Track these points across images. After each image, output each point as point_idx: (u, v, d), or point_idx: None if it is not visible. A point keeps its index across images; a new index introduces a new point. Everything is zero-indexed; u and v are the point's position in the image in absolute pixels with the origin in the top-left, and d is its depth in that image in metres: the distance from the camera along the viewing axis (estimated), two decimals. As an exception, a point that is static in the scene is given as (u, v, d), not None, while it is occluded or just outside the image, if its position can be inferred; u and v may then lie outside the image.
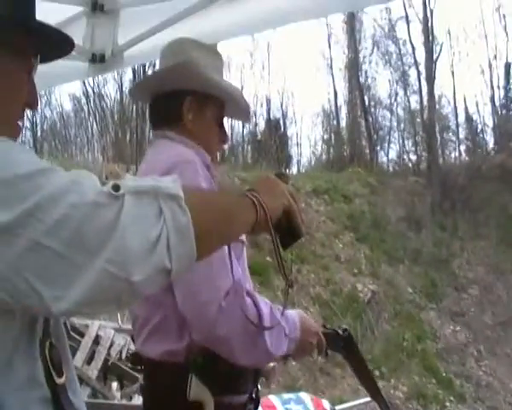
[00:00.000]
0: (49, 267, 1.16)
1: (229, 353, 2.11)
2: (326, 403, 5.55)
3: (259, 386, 2.59)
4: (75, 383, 1.52)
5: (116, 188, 1.21)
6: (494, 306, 15.70)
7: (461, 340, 14.58)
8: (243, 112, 2.75)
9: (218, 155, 2.64)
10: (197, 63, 2.43)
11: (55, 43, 1.66)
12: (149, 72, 25.27)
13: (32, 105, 1.60)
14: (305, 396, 5.69)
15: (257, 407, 2.59)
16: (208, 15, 3.50)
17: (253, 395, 2.42)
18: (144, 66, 23.73)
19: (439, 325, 14.88)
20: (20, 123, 1.55)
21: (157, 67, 2.62)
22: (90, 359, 7.91)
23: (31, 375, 1.34)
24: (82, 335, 8.20)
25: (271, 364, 2.61)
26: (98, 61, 3.97)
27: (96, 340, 8.12)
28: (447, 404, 12.18)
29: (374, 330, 13.56)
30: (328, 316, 13.44)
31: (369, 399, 8.16)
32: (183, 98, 2.40)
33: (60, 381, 1.40)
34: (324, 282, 14.43)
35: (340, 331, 2.56)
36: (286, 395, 5.76)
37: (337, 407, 5.67)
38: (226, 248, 1.95)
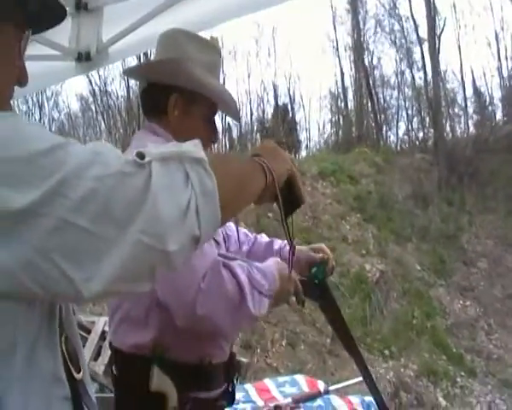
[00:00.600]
0: (78, 246, 1.10)
1: (213, 329, 2.15)
2: (320, 383, 5.57)
3: (235, 380, 2.65)
4: (89, 378, 1.48)
5: (141, 156, 1.17)
6: (503, 278, 15.64)
7: (471, 315, 14.55)
8: (232, 112, 2.77)
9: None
10: (187, 60, 2.43)
11: (46, 9, 1.50)
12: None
13: (23, 81, 1.49)
14: (299, 378, 5.72)
15: (232, 401, 2.63)
16: (189, 5, 3.55)
17: (229, 389, 2.48)
18: (146, 54, 23.85)
19: (449, 300, 14.85)
20: (11, 102, 1.46)
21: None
22: (96, 355, 7.99)
23: (53, 371, 1.29)
24: (88, 331, 8.26)
25: (244, 359, 2.67)
26: (84, 59, 4.03)
27: (103, 336, 8.16)
28: (458, 379, 12.16)
29: (383, 309, 13.56)
30: (337, 298, 13.40)
31: (359, 379, 8.23)
32: (170, 94, 2.41)
33: (78, 376, 1.36)
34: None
35: (316, 280, 2.56)
36: (281, 378, 5.80)
37: (331, 387, 5.68)
38: None
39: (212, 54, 2.55)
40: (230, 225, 2.82)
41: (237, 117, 2.88)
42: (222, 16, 3.85)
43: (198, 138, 1.64)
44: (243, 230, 2.93)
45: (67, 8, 3.87)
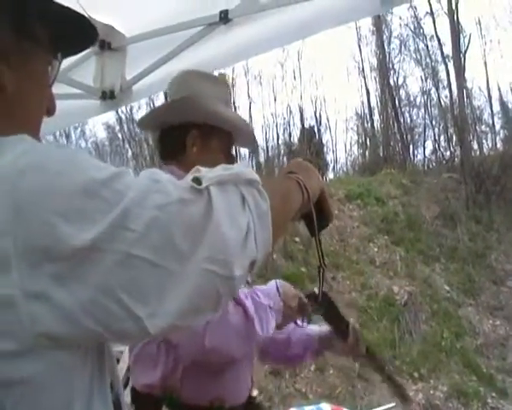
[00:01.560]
0: (142, 281, 1.04)
1: (223, 360, 2.23)
2: (346, 411, 5.64)
3: None
4: None
5: (198, 181, 1.14)
6: (533, 296, 15.53)
7: (501, 334, 14.38)
8: (248, 140, 2.81)
9: (254, 165, 2.68)
10: (199, 96, 2.50)
11: (77, 32, 1.43)
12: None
13: (51, 111, 1.47)
14: (325, 407, 5.77)
15: None
16: (208, 44, 3.66)
17: None
18: (153, 103, 24.16)
19: (478, 320, 14.70)
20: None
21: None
22: (125, 385, 8.06)
23: None
24: (117, 361, 8.36)
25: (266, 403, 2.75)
26: (108, 97, 4.16)
27: (131, 367, 8.26)
28: (489, 400, 12.01)
29: (411, 331, 13.48)
30: (365, 321, 13.43)
31: (390, 405, 8.22)
32: (188, 131, 2.47)
33: None
34: (360, 287, 14.39)
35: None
36: (306, 408, 5.85)
37: (358, 415, 5.74)
38: None
39: (222, 86, 2.64)
40: None
41: (253, 144, 2.94)
42: (244, 53, 3.95)
43: None
44: None
45: (92, 48, 4.04)
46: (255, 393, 2.83)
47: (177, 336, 2.12)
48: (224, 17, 3.40)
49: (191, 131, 2.47)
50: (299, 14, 3.15)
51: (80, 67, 4.16)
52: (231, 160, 2.57)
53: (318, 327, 2.85)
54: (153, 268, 1.04)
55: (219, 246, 1.11)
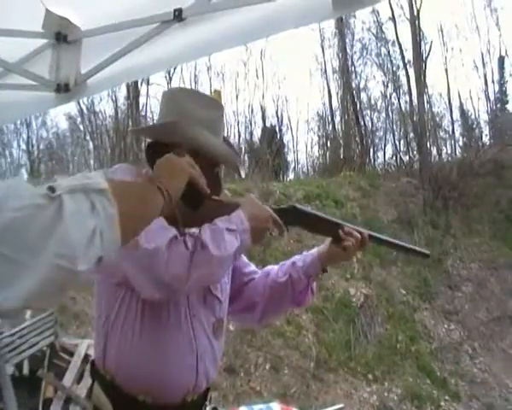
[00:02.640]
0: (0, 271, 1.20)
1: (177, 285, 2.24)
2: (296, 411, 5.61)
3: None
4: None
5: (52, 189, 1.28)
6: (488, 302, 15.66)
7: (455, 338, 14.57)
8: (233, 168, 2.81)
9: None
10: (186, 120, 2.50)
11: None
12: (142, 88, 25.39)
13: None
14: (275, 406, 5.75)
15: None
16: (164, 41, 3.60)
17: None
18: (136, 82, 23.95)
19: (433, 324, 14.85)
20: None
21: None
22: (79, 377, 7.97)
23: None
24: (71, 354, 8.25)
25: None
26: (63, 90, 4.07)
27: (86, 358, 8.16)
28: (442, 403, 12.17)
29: (367, 334, 13.56)
30: (321, 322, 13.47)
31: (339, 406, 8.23)
32: (172, 150, 2.38)
33: None
34: (316, 288, 14.39)
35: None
36: (256, 406, 5.83)
37: (308, 415, 5.72)
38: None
39: (213, 110, 2.62)
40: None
41: (238, 172, 2.91)
42: (198, 51, 3.91)
43: None
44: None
45: (47, 40, 3.95)
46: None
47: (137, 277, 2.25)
48: (178, 15, 3.42)
49: (174, 150, 2.39)
50: (252, 16, 3.15)
51: (36, 59, 4.09)
52: (215, 181, 2.53)
53: (316, 248, 2.78)
54: (8, 262, 1.20)
55: (66, 244, 1.26)
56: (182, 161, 2.01)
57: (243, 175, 2.94)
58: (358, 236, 2.64)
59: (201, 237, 2.23)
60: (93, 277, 1.52)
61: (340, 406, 8.48)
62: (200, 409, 2.58)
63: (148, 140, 2.68)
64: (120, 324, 2.40)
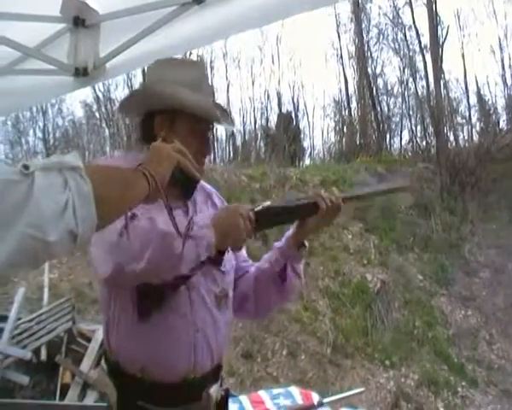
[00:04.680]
0: None
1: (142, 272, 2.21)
2: (315, 395, 5.60)
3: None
4: None
5: (26, 167, 1.35)
6: (505, 288, 15.52)
7: (472, 324, 14.48)
8: (217, 120, 2.71)
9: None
10: (158, 83, 2.52)
11: None
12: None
13: None
14: (293, 390, 5.75)
15: None
16: (182, 24, 3.59)
17: None
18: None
19: (450, 310, 14.79)
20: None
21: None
22: (96, 363, 7.99)
23: None
24: (89, 340, 8.28)
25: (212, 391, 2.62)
26: (81, 74, 4.08)
27: (103, 344, 8.18)
28: (459, 389, 12.12)
29: (384, 319, 13.52)
30: (338, 307, 13.46)
31: (359, 390, 8.23)
32: (154, 118, 2.52)
33: None
34: (333, 273, 14.41)
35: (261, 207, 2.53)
36: (275, 390, 5.83)
37: (326, 399, 5.69)
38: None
39: (192, 69, 2.60)
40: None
41: (227, 123, 2.85)
42: (218, 34, 3.89)
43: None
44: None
45: (65, 24, 3.95)
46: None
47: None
48: None
49: (156, 118, 2.53)
50: None
51: (54, 44, 4.10)
52: (201, 141, 2.57)
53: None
54: None
55: (37, 215, 1.34)
56: (167, 147, 2.03)
57: (231, 128, 2.90)
58: (332, 197, 2.60)
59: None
60: (68, 250, 1.47)
61: (361, 389, 8.48)
62: (204, 390, 2.53)
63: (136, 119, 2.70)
64: (119, 304, 2.44)
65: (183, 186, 2.09)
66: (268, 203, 2.54)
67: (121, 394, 2.41)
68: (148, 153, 1.99)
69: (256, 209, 2.46)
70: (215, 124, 2.71)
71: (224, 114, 2.75)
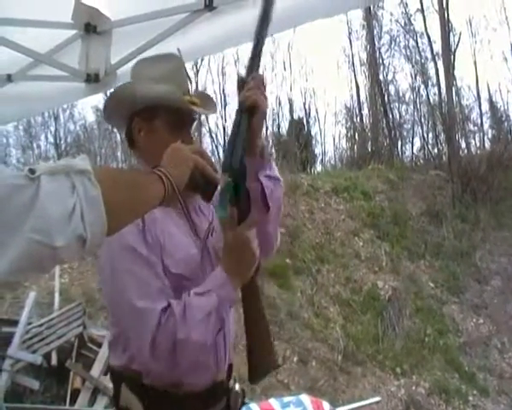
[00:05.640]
0: None
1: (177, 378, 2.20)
2: (326, 405, 5.58)
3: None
4: None
5: (32, 171, 1.32)
6: (517, 296, 15.53)
7: (484, 332, 14.42)
8: (205, 108, 2.66)
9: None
10: (138, 80, 2.50)
11: None
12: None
13: None
14: (304, 398, 5.72)
15: None
16: (194, 31, 3.59)
17: None
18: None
19: (462, 318, 14.72)
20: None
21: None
22: (107, 369, 7.99)
23: None
24: (99, 345, 8.29)
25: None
26: (93, 80, 4.10)
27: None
28: (470, 398, 12.05)
29: (395, 327, 13.48)
30: (349, 315, 13.43)
31: (375, 399, 8.18)
32: (131, 121, 2.48)
33: None
34: (344, 280, 14.38)
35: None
36: (286, 399, 5.80)
37: (339, 409, 5.67)
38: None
39: (166, 64, 2.55)
40: None
41: (210, 111, 2.77)
42: (229, 41, 3.89)
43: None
44: None
45: (77, 31, 3.97)
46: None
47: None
48: (209, 4, 3.43)
49: (134, 118, 2.48)
50: (282, 5, 3.10)
51: (66, 50, 4.12)
52: (182, 135, 2.45)
53: None
54: None
55: (43, 220, 1.30)
56: (185, 149, 1.99)
57: (213, 112, 2.81)
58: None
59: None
60: (76, 256, 1.44)
61: (377, 399, 8.43)
62: (228, 388, 2.53)
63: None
64: None
65: (202, 190, 2.06)
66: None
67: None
68: (165, 155, 1.93)
69: None
70: (196, 114, 2.62)
71: (207, 102, 2.68)
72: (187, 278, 2.31)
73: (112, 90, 3.35)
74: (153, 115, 2.45)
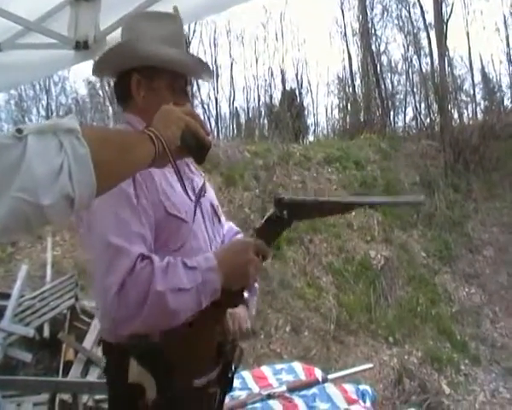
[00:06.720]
0: None
1: (137, 330, 2.10)
2: (318, 371, 5.59)
3: (233, 364, 2.60)
4: None
5: (19, 131, 1.34)
6: (509, 266, 15.50)
7: (476, 302, 14.48)
8: (203, 73, 2.70)
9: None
10: (135, 39, 2.44)
11: None
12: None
13: None
14: (296, 366, 5.75)
15: (229, 388, 2.63)
16: None
17: (224, 375, 2.48)
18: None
19: (454, 287, 14.77)
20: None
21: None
22: (100, 340, 7.99)
23: None
24: (92, 317, 8.28)
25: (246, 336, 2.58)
26: (82, 47, 4.06)
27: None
28: (462, 367, 12.11)
29: (387, 296, 13.51)
30: (341, 284, 13.44)
31: (367, 366, 8.21)
32: (130, 77, 2.43)
33: None
34: (337, 250, 14.38)
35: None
36: (278, 366, 5.82)
37: (330, 376, 5.68)
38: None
39: (169, 25, 2.51)
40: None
41: (203, 74, 2.76)
42: (222, 4, 3.84)
43: None
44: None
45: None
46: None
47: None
48: None
49: (133, 75, 2.44)
50: None
51: (55, 17, 4.07)
52: (181, 97, 2.48)
53: None
54: None
55: (29, 178, 1.32)
56: (177, 110, 1.97)
57: (210, 79, 2.80)
58: None
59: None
60: (64, 216, 1.44)
61: (369, 365, 8.46)
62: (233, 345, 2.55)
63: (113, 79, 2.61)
64: None
65: (194, 151, 2.04)
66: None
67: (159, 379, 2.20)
68: (156, 115, 1.91)
69: (268, 216, 2.32)
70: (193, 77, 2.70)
71: (204, 67, 2.66)
72: (183, 219, 2.30)
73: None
74: (155, 74, 2.43)
